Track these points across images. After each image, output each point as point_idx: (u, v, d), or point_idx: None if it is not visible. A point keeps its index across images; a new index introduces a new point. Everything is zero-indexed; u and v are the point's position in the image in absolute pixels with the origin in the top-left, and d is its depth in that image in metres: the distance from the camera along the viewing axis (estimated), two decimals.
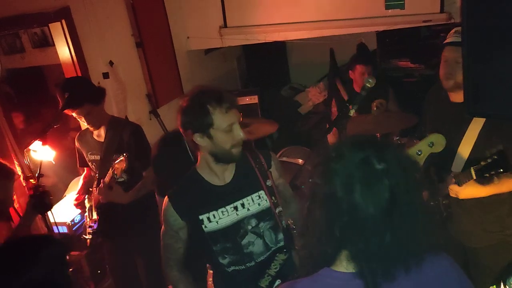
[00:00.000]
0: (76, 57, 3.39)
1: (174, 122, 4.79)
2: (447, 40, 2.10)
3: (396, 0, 3.21)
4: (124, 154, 2.40)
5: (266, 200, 1.90)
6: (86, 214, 2.91)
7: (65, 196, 3.65)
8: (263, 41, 4.05)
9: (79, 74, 3.42)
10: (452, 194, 2.12)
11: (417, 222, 1.05)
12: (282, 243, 1.97)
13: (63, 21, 3.25)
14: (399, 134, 3.42)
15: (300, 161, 3.85)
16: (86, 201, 2.91)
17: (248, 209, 1.89)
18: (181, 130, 1.80)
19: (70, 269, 1.86)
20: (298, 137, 4.82)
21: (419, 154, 2.06)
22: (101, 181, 2.67)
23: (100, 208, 2.78)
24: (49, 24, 3.43)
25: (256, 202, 1.89)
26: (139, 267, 2.96)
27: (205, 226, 1.86)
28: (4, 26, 2.98)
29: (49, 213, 2.61)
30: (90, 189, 2.88)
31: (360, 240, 1.04)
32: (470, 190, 2.03)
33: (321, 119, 4.97)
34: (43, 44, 4.08)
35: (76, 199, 2.94)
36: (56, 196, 3.44)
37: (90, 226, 2.85)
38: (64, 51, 3.41)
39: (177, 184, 1.92)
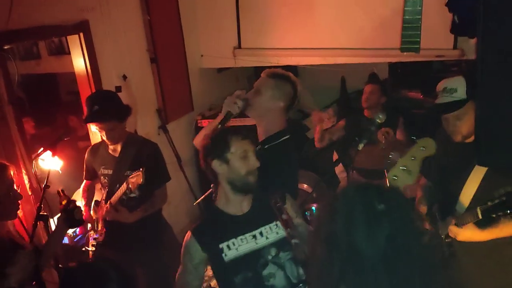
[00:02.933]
0: (91, 69, 3.40)
1: (183, 138, 4.78)
2: (438, 101, 2.12)
3: (413, 44, 3.23)
4: (141, 169, 2.38)
5: (283, 230, 1.88)
6: (90, 226, 2.90)
7: None
8: (276, 65, 4.08)
9: (92, 85, 3.44)
10: (451, 235, 2.09)
11: (415, 268, 1.06)
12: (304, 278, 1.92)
13: (81, 34, 3.29)
14: None
15: (305, 186, 3.84)
16: (92, 212, 2.90)
17: (267, 238, 1.90)
18: (202, 162, 1.91)
19: None
20: (305, 161, 4.81)
21: (413, 160, 2.08)
22: (108, 202, 2.68)
23: (106, 220, 2.78)
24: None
25: (274, 230, 1.91)
26: (140, 279, 2.94)
27: (225, 255, 1.86)
28: (23, 37, 3.01)
29: (51, 222, 2.60)
30: (97, 200, 2.88)
31: (357, 280, 1.06)
32: (468, 233, 2.01)
33: (329, 145, 4.95)
34: (60, 52, 4.15)
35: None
36: None
37: (94, 238, 2.84)
38: (79, 61, 3.44)
39: (199, 221, 2.01)
